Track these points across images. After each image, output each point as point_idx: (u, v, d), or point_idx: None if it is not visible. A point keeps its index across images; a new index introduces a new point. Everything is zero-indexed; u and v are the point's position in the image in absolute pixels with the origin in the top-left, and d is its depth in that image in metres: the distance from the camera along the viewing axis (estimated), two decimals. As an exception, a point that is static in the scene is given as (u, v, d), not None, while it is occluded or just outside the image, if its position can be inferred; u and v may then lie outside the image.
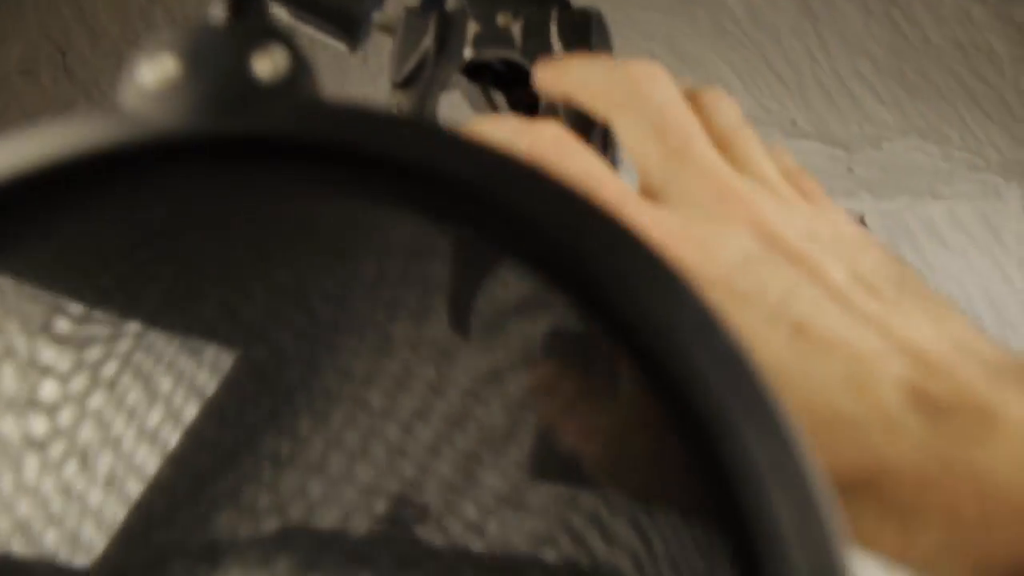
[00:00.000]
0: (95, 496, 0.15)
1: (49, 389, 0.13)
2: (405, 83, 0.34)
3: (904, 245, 0.98)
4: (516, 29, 0.33)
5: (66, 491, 0.15)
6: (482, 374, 0.13)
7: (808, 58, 1.07)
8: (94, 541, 0.15)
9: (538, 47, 0.33)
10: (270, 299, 0.13)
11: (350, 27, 0.37)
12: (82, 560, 0.15)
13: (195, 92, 0.11)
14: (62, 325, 0.13)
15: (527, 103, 0.36)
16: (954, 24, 1.04)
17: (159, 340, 0.13)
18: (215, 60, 0.11)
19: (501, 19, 0.34)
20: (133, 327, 0.13)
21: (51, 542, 0.15)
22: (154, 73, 0.11)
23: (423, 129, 0.11)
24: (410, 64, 0.34)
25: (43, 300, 0.12)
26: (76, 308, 0.13)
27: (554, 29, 0.33)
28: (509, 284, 0.12)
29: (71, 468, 0.15)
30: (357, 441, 0.14)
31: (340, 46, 0.38)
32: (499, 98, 0.38)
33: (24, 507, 0.15)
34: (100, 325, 0.13)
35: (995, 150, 0.99)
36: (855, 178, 1.01)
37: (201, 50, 0.11)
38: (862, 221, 1.00)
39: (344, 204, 0.12)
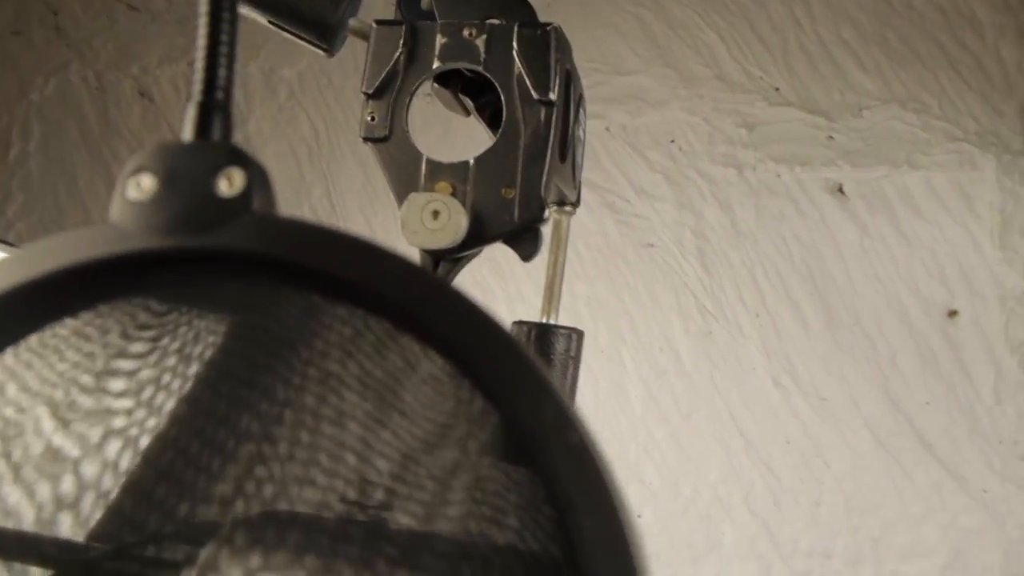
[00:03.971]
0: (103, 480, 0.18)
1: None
2: (376, 93, 0.37)
3: (881, 214, 1.01)
4: (480, 42, 0.36)
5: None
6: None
7: (793, 23, 1.08)
8: (93, 518, 0.18)
9: (501, 60, 0.35)
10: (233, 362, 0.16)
11: (326, 34, 0.39)
12: (81, 534, 0.18)
13: (169, 208, 0.14)
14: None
15: (493, 106, 0.39)
16: (939, -10, 1.05)
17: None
18: (185, 180, 0.14)
19: (467, 32, 0.36)
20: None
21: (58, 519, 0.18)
22: (136, 190, 0.14)
23: (344, 245, 0.14)
24: (381, 75, 0.36)
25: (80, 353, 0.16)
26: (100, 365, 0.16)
27: (515, 43, 0.35)
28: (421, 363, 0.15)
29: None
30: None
31: (318, 51, 0.40)
32: (468, 101, 0.40)
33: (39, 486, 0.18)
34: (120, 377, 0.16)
35: (973, 120, 1.01)
36: (835, 146, 1.03)
37: (173, 170, 0.14)
38: (840, 190, 1.02)
39: (284, 298, 0.15)
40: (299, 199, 1.21)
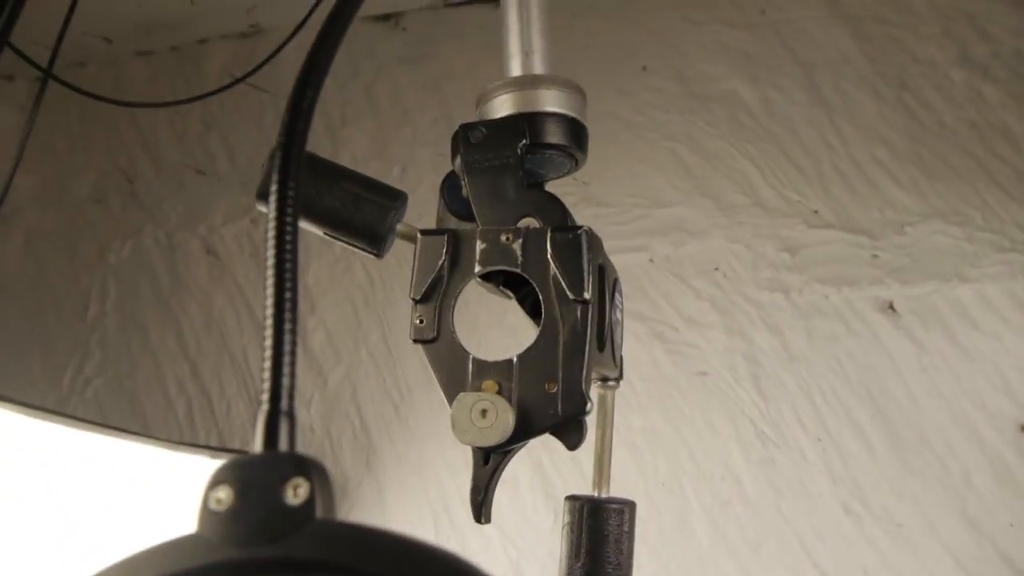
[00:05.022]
0: None
1: None
2: (424, 298, 0.39)
3: (936, 330, 1.00)
4: (517, 247, 0.39)
5: None
6: None
7: (825, 147, 1.10)
8: None
9: (537, 262, 0.38)
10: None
11: (376, 242, 0.43)
12: None
13: (245, 519, 0.16)
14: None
15: (533, 297, 0.41)
16: (967, 105, 1.07)
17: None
18: (257, 492, 0.17)
19: (504, 238, 0.39)
20: None
21: None
22: (216, 503, 0.17)
23: (410, 556, 0.16)
24: (427, 282, 0.39)
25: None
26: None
27: (549, 247, 0.38)
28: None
29: None
30: None
31: (369, 255, 0.43)
32: (510, 292, 0.43)
33: None
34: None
35: (1019, 229, 1.01)
36: (881, 265, 1.04)
37: (247, 483, 0.17)
38: (891, 308, 1.02)
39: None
40: (356, 344, 1.26)
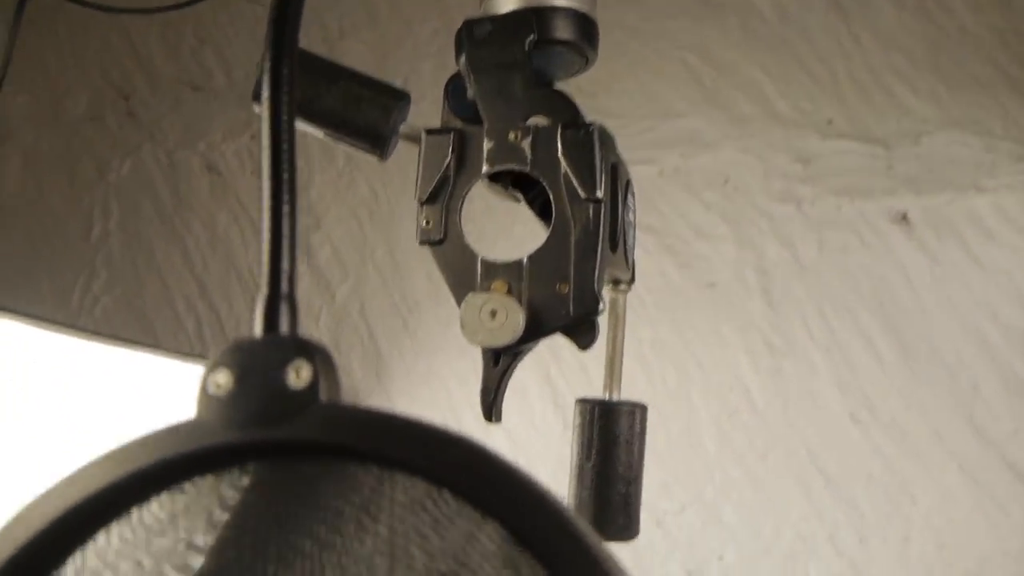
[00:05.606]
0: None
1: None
2: (430, 199, 0.38)
3: (950, 241, 0.98)
4: (526, 145, 0.37)
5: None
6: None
7: (841, 55, 1.07)
8: None
9: (547, 161, 0.36)
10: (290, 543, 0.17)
11: (378, 143, 0.41)
12: None
13: (245, 403, 0.16)
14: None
15: (543, 198, 0.40)
16: (991, 10, 1.03)
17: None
18: (257, 375, 0.16)
19: (512, 136, 0.37)
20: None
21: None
22: (215, 387, 0.16)
23: (409, 432, 0.15)
24: (433, 182, 0.38)
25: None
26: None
27: (560, 145, 0.36)
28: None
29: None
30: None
31: (372, 157, 0.42)
32: (518, 194, 0.41)
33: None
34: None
35: (1039, 136, 0.98)
36: (896, 175, 1.01)
37: (247, 366, 0.16)
38: (904, 218, 1.00)
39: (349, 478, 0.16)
40: (363, 259, 1.25)
